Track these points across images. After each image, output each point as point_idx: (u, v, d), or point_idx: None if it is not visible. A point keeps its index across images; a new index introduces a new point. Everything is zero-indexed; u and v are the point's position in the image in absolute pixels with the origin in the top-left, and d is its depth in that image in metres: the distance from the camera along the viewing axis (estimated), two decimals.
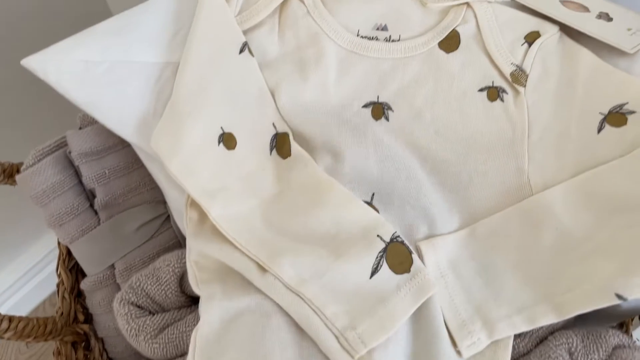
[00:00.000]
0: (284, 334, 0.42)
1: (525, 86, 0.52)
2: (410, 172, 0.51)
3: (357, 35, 0.56)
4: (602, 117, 0.49)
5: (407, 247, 0.45)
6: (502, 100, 0.52)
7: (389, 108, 0.53)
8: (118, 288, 0.62)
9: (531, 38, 0.54)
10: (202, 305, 0.45)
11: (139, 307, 0.54)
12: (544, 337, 0.48)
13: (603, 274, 0.43)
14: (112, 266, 0.62)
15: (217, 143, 0.50)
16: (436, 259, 0.48)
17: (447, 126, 0.53)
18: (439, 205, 0.51)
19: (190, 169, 0.48)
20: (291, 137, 0.53)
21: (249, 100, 0.53)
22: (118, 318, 0.53)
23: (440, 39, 0.55)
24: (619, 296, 0.41)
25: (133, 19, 0.54)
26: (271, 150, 0.52)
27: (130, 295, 0.53)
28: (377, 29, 0.57)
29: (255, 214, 0.49)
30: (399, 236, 0.45)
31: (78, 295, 0.67)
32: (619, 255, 0.43)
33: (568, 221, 0.47)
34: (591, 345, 0.46)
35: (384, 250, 0.45)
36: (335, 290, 0.43)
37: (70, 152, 0.61)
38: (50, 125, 0.84)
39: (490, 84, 0.53)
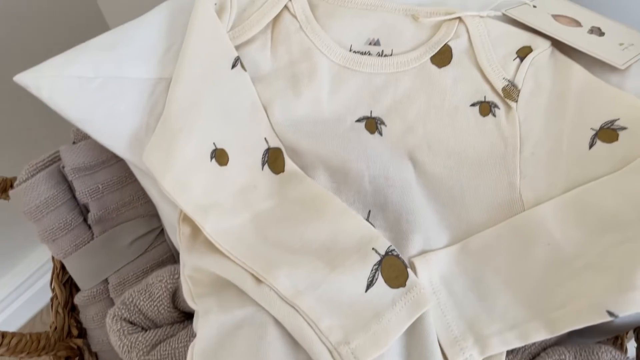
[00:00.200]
0: (280, 346, 0.42)
1: (517, 101, 0.52)
2: (405, 187, 0.51)
3: (350, 50, 0.56)
4: (594, 132, 0.49)
5: (403, 261, 0.45)
6: (494, 115, 0.53)
7: (382, 123, 0.54)
8: (112, 302, 0.62)
9: (523, 53, 0.54)
10: (199, 320, 0.45)
11: (131, 323, 0.53)
12: (536, 353, 0.48)
13: (594, 290, 0.43)
14: (106, 280, 0.62)
15: (209, 159, 0.50)
16: (429, 274, 0.47)
17: (439, 141, 0.53)
18: (433, 220, 0.51)
19: (183, 185, 0.48)
20: (285, 154, 0.53)
21: (241, 116, 0.53)
22: (110, 334, 0.53)
23: (432, 54, 0.55)
24: (610, 313, 0.41)
25: (126, 34, 0.55)
26: (263, 165, 0.52)
27: (123, 311, 0.53)
28: (370, 43, 0.57)
29: (249, 228, 0.49)
30: (394, 249, 0.45)
31: (72, 309, 0.67)
32: (610, 272, 0.43)
33: (559, 237, 0.47)
34: None
35: (379, 263, 0.45)
36: (331, 303, 0.43)
37: (63, 167, 0.61)
38: (44, 140, 0.85)
39: (483, 99, 0.53)
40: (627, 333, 0.56)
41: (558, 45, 0.55)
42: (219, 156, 0.50)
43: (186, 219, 0.50)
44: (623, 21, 0.59)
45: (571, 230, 0.47)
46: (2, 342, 0.55)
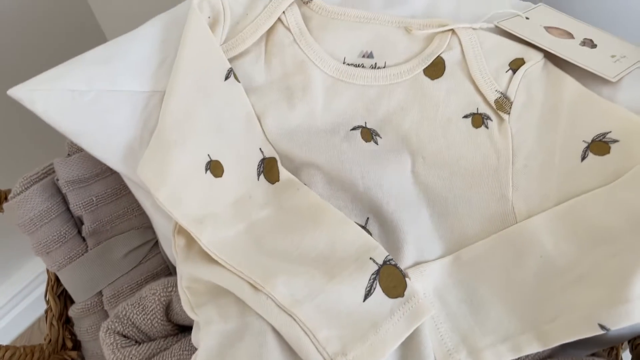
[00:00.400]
0: (278, 354, 0.42)
1: (509, 113, 0.53)
2: (399, 197, 0.51)
3: (344, 62, 0.57)
4: (586, 145, 0.49)
5: (401, 271, 0.45)
6: (486, 127, 0.53)
7: (377, 134, 0.54)
8: (106, 315, 0.62)
9: (516, 65, 0.55)
10: (201, 331, 0.45)
11: (124, 336, 0.53)
12: None
13: (586, 303, 0.43)
14: (100, 293, 0.62)
15: (204, 171, 0.50)
16: (423, 286, 0.47)
17: (433, 152, 0.53)
18: (427, 231, 0.51)
19: (178, 197, 0.48)
20: (279, 163, 0.53)
21: (235, 127, 0.53)
22: (104, 348, 0.53)
23: (425, 66, 0.55)
24: (602, 326, 0.41)
25: (119, 48, 0.55)
26: (259, 175, 0.52)
27: (116, 324, 0.53)
28: (363, 56, 0.57)
29: (245, 238, 0.49)
30: (392, 259, 0.45)
31: (67, 321, 0.67)
32: (601, 285, 0.43)
33: (552, 249, 0.47)
34: None
35: (377, 272, 0.45)
36: (328, 313, 0.43)
37: (57, 180, 0.61)
38: (38, 152, 0.85)
39: (475, 111, 0.54)
40: (622, 344, 0.56)
41: (551, 57, 0.55)
42: (214, 168, 0.50)
43: (181, 230, 0.50)
44: (617, 31, 0.60)
45: (563, 242, 0.47)
46: None
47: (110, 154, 0.53)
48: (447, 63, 0.55)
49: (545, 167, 0.50)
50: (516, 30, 0.57)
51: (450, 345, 0.45)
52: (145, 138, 0.53)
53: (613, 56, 0.55)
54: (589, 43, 0.57)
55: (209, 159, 0.50)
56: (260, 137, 0.54)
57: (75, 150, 0.62)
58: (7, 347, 0.57)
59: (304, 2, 0.59)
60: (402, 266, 0.48)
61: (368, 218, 0.51)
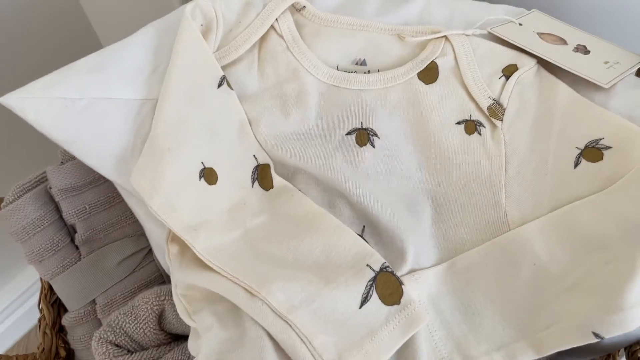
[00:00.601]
0: (277, 358, 0.42)
1: (502, 120, 0.52)
2: (394, 206, 0.50)
3: (337, 69, 0.56)
4: (579, 151, 0.49)
5: (397, 278, 0.45)
6: (479, 133, 0.53)
7: (375, 134, 0.54)
8: (99, 323, 0.62)
9: (509, 71, 0.54)
10: (201, 337, 0.44)
11: (117, 345, 0.53)
12: None
13: (580, 311, 0.43)
14: (94, 301, 0.62)
15: (198, 178, 0.50)
16: (418, 294, 0.47)
17: (428, 158, 0.53)
18: (422, 239, 0.50)
19: (172, 205, 0.48)
20: (272, 169, 0.53)
21: (229, 134, 0.53)
22: (96, 357, 0.53)
23: (419, 70, 0.55)
24: (596, 335, 0.42)
25: (112, 55, 0.55)
26: (253, 182, 0.52)
27: (109, 334, 0.53)
28: (356, 63, 0.57)
29: (240, 244, 0.48)
30: (388, 266, 0.45)
31: (60, 330, 0.67)
32: (595, 293, 0.43)
33: (545, 257, 0.47)
34: None
35: (374, 279, 0.45)
36: (325, 319, 0.43)
37: (50, 188, 0.60)
38: (31, 160, 0.84)
39: (468, 118, 0.53)
40: (618, 352, 0.56)
41: (544, 63, 0.55)
42: (208, 175, 0.50)
43: (174, 238, 0.50)
44: (611, 37, 0.60)
45: (557, 249, 0.46)
46: None
47: (102, 162, 0.53)
48: (440, 69, 0.55)
49: (538, 174, 0.50)
50: (509, 36, 0.56)
51: (444, 353, 0.45)
52: (137, 146, 0.53)
53: (606, 62, 0.55)
54: (582, 49, 0.57)
55: (202, 167, 0.50)
56: (254, 144, 0.54)
57: (68, 158, 0.62)
58: (0, 356, 0.57)
59: (296, 10, 0.59)
60: (398, 274, 0.48)
61: (364, 226, 0.50)
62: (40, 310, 0.66)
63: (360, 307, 0.44)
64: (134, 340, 0.53)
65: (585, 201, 0.47)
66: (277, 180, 0.52)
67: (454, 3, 0.62)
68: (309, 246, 0.47)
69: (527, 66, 0.54)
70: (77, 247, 0.62)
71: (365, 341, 0.42)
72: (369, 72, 0.56)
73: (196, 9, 0.55)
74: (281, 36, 0.57)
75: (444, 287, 0.48)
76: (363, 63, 0.57)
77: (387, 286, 0.44)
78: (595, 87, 0.53)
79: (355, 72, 0.56)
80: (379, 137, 0.53)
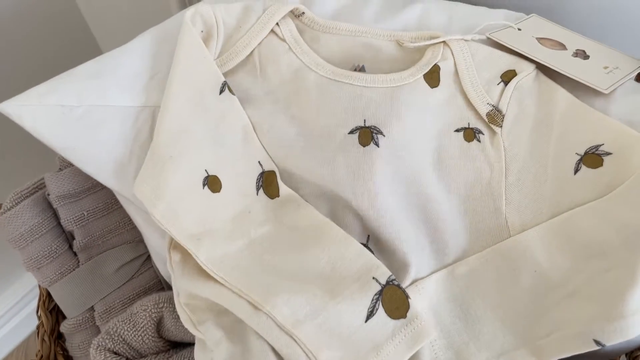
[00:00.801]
0: None
1: (501, 127, 0.52)
2: (395, 215, 0.49)
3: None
4: (579, 158, 0.49)
5: (404, 291, 0.44)
6: (478, 140, 0.52)
7: (380, 132, 0.51)
8: (98, 330, 0.62)
9: (507, 77, 0.54)
10: (214, 352, 0.44)
11: (115, 353, 0.53)
12: None
13: (581, 319, 0.43)
14: (92, 308, 0.62)
15: (201, 186, 0.49)
16: (420, 302, 0.47)
17: (430, 163, 0.52)
18: (424, 246, 0.50)
19: (175, 213, 0.47)
20: (278, 177, 0.52)
21: (233, 141, 0.52)
22: None
23: (425, 72, 0.54)
24: (597, 342, 0.41)
25: (110, 62, 0.54)
26: (258, 190, 0.51)
27: (107, 341, 0.53)
28: (355, 69, 0.56)
29: (244, 255, 0.48)
30: (394, 279, 0.44)
31: (58, 337, 0.66)
32: (596, 300, 0.43)
33: (546, 264, 0.46)
34: None
35: (380, 293, 0.44)
36: (330, 333, 0.42)
37: (48, 195, 0.60)
38: (30, 166, 0.84)
39: (466, 125, 0.53)
40: (619, 358, 0.55)
41: (543, 68, 0.55)
42: (212, 183, 0.49)
43: (176, 246, 0.49)
44: (608, 42, 0.60)
45: (557, 256, 0.46)
46: None
47: (100, 169, 0.53)
48: (441, 73, 0.55)
49: (538, 180, 0.50)
50: (508, 42, 0.56)
51: None
52: (135, 153, 0.53)
53: (606, 67, 0.54)
54: (582, 54, 0.57)
55: (206, 174, 0.49)
56: (259, 150, 0.53)
57: (67, 164, 0.62)
58: None
59: (295, 16, 0.58)
60: (403, 285, 0.47)
61: (369, 236, 0.50)
62: (39, 317, 0.66)
63: (366, 321, 0.43)
64: (133, 347, 0.53)
65: (586, 207, 0.47)
66: (283, 188, 0.51)
67: (452, 8, 0.62)
68: (315, 257, 0.47)
69: (526, 71, 0.54)
70: (75, 254, 0.62)
71: (371, 356, 0.42)
72: None
73: (196, 15, 0.55)
74: (283, 40, 0.56)
75: (444, 294, 0.48)
76: (362, 69, 0.56)
77: (393, 300, 0.44)
78: (595, 93, 0.52)
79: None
80: (384, 136, 0.51)
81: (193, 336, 0.47)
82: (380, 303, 0.43)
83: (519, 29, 0.59)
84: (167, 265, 0.50)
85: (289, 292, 0.43)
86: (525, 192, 0.50)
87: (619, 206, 0.45)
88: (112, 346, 0.53)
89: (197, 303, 0.47)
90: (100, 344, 0.53)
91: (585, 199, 0.47)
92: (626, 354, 0.53)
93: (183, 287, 0.47)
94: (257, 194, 0.51)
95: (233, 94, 0.54)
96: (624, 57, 0.57)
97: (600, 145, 0.48)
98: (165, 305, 0.53)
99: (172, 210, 0.47)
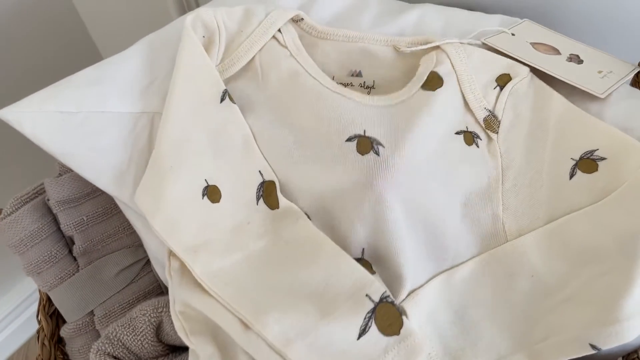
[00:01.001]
0: None
1: (497, 133, 0.53)
2: (392, 223, 0.48)
3: (333, 80, 0.56)
4: (574, 163, 0.49)
5: (398, 308, 0.43)
6: (477, 145, 0.52)
7: (379, 143, 0.50)
8: (98, 334, 0.62)
9: (502, 81, 0.54)
10: None
11: (115, 357, 0.53)
12: None
13: (577, 323, 0.43)
14: (92, 312, 0.62)
15: (201, 196, 0.49)
16: (418, 314, 0.46)
17: (430, 170, 0.50)
18: (421, 255, 0.49)
19: (174, 225, 0.47)
20: (278, 188, 0.51)
21: (233, 150, 0.52)
22: None
23: (421, 83, 0.54)
24: (593, 346, 0.42)
25: (108, 69, 0.55)
26: (258, 199, 0.50)
27: (107, 345, 0.53)
28: (352, 75, 0.57)
29: (240, 269, 0.47)
30: (388, 296, 0.43)
31: (59, 341, 0.67)
32: (592, 305, 0.43)
33: (542, 268, 0.47)
34: None
35: (373, 311, 0.42)
36: (321, 352, 0.41)
37: (48, 200, 0.61)
38: (30, 172, 0.85)
39: (465, 129, 0.53)
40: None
41: (538, 72, 0.55)
42: (211, 193, 0.49)
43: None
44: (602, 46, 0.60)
45: (553, 261, 0.47)
46: None
47: (99, 175, 0.53)
48: (441, 74, 0.54)
49: (534, 186, 0.50)
50: (503, 47, 0.57)
51: None
52: (134, 159, 0.53)
53: (600, 72, 0.55)
54: (576, 59, 0.57)
55: (206, 184, 0.49)
56: (259, 159, 0.52)
57: (66, 170, 0.62)
58: None
59: (294, 21, 0.58)
60: (400, 297, 0.47)
61: (364, 249, 0.48)
62: (39, 322, 0.66)
63: (358, 339, 0.42)
64: (132, 352, 0.53)
65: (581, 213, 0.47)
66: (282, 201, 0.50)
67: (449, 14, 0.63)
68: (309, 274, 0.46)
69: (521, 75, 0.54)
70: (75, 259, 0.62)
71: None
72: (364, 83, 0.56)
73: (197, 19, 0.54)
74: (284, 46, 0.56)
75: (441, 301, 0.48)
76: (359, 75, 0.57)
77: (386, 317, 0.42)
78: (591, 97, 0.53)
79: (351, 83, 0.56)
80: (384, 147, 0.50)
81: None
82: (373, 320, 0.42)
83: (513, 34, 0.59)
84: (165, 272, 0.50)
85: (280, 309, 0.43)
86: (521, 198, 0.50)
87: (614, 211, 0.46)
88: (112, 350, 0.53)
89: (192, 313, 0.47)
90: (99, 348, 0.53)
91: (580, 204, 0.48)
92: (623, 357, 0.53)
93: (179, 296, 0.47)
94: (257, 204, 0.50)
95: (234, 102, 0.53)
96: (617, 61, 0.57)
97: (595, 151, 0.49)
98: (164, 309, 0.53)
99: (170, 222, 0.47)
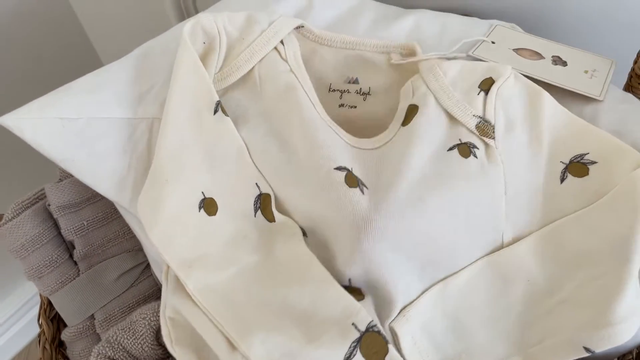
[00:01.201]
0: None
1: (494, 138, 0.51)
2: (380, 253, 0.46)
3: (329, 89, 0.57)
4: (564, 166, 0.49)
5: (384, 337, 0.42)
6: (475, 156, 0.50)
7: (363, 184, 0.49)
8: (99, 338, 0.63)
9: (486, 85, 0.53)
10: None
11: None
12: None
13: (571, 326, 0.44)
14: (93, 316, 0.63)
15: (197, 209, 0.49)
16: (410, 331, 0.46)
17: (422, 197, 0.47)
18: (413, 275, 0.48)
19: (170, 237, 0.48)
20: (273, 203, 0.50)
21: (229, 162, 0.51)
22: None
23: (401, 121, 0.53)
24: (587, 349, 0.42)
25: (108, 75, 0.55)
26: (255, 211, 0.50)
27: (107, 349, 0.53)
28: (349, 82, 0.57)
29: (232, 284, 0.47)
30: (375, 325, 0.43)
31: (60, 345, 0.67)
32: (586, 308, 0.44)
33: (537, 273, 0.47)
34: None
35: (359, 340, 0.42)
36: None
37: (49, 205, 0.61)
38: (31, 177, 0.85)
39: (459, 142, 0.51)
40: None
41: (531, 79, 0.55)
42: (208, 206, 0.49)
43: None
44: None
45: (548, 266, 0.47)
46: None
47: (99, 181, 0.53)
48: (416, 102, 0.53)
49: (531, 191, 0.50)
50: (489, 58, 0.57)
51: None
52: (133, 165, 0.53)
53: (586, 72, 0.55)
54: (559, 61, 0.57)
55: (202, 197, 0.49)
56: (254, 172, 0.51)
57: (67, 175, 0.63)
58: None
59: (295, 28, 0.57)
60: (390, 317, 0.46)
61: (350, 279, 0.47)
62: (40, 326, 0.67)
63: None
64: (132, 355, 0.54)
65: (573, 217, 0.48)
66: (277, 215, 0.50)
67: (444, 19, 0.63)
68: (298, 295, 0.45)
69: (504, 76, 0.53)
70: (75, 263, 0.63)
71: None
72: (360, 90, 0.57)
73: (197, 26, 0.54)
74: (285, 60, 0.55)
75: (437, 310, 0.47)
76: (355, 81, 0.57)
77: (372, 346, 0.42)
78: (585, 101, 0.53)
79: (348, 90, 0.57)
80: (367, 188, 0.48)
81: None
82: (359, 349, 0.42)
83: (493, 42, 0.59)
84: (162, 276, 0.50)
85: (267, 329, 0.43)
86: (520, 204, 0.49)
87: (605, 215, 0.46)
88: (112, 354, 0.53)
89: (182, 320, 0.47)
90: (100, 352, 0.53)
91: (573, 207, 0.48)
92: (617, 358, 0.54)
93: (172, 302, 0.47)
94: (255, 216, 0.50)
95: (226, 114, 0.52)
96: (596, 58, 0.57)
97: (585, 154, 0.49)
98: None
99: (166, 236, 0.48)
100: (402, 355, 0.45)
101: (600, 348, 0.42)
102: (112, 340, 0.54)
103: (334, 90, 0.57)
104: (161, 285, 0.62)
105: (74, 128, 0.52)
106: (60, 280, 0.62)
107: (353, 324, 0.43)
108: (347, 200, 0.47)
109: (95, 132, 0.53)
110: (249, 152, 0.52)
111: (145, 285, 0.64)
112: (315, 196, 0.48)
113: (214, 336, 0.44)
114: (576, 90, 0.54)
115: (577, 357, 0.43)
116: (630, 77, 0.59)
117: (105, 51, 1.07)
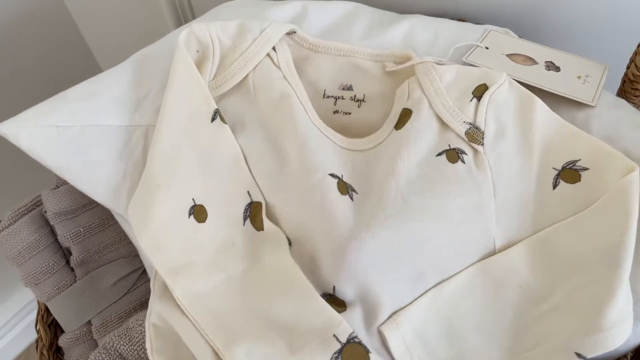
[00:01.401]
0: None
1: (483, 145, 0.51)
2: (369, 259, 0.46)
3: (324, 96, 0.57)
4: (556, 172, 0.49)
5: (365, 347, 0.43)
6: (463, 162, 0.50)
7: (353, 190, 0.50)
8: (95, 344, 0.63)
9: (479, 92, 0.53)
10: None
11: None
12: None
13: (563, 332, 0.44)
14: (90, 322, 0.63)
15: (187, 216, 0.49)
16: (401, 334, 0.46)
17: (410, 202, 0.48)
18: (402, 278, 0.48)
19: (159, 243, 0.48)
20: (264, 210, 0.50)
21: (222, 170, 0.52)
22: None
23: (394, 124, 0.54)
24: (578, 355, 0.42)
25: (102, 83, 0.56)
26: (245, 220, 0.50)
27: (104, 355, 0.54)
28: (343, 88, 0.57)
29: (219, 292, 0.47)
30: (356, 336, 0.43)
31: (57, 350, 0.67)
32: (577, 314, 0.44)
33: (529, 279, 0.47)
34: None
35: (340, 351, 0.43)
36: None
37: (45, 212, 0.61)
38: (27, 184, 0.85)
39: (447, 147, 0.51)
40: None
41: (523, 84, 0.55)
42: (198, 213, 0.50)
43: None
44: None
45: (540, 272, 0.47)
46: None
47: (94, 188, 0.54)
48: (410, 106, 0.54)
49: (522, 197, 0.50)
50: (483, 64, 0.57)
51: None
52: (129, 172, 0.54)
53: (579, 77, 0.55)
54: (553, 66, 0.57)
55: (193, 203, 0.50)
56: (249, 179, 0.51)
57: (63, 182, 0.63)
58: None
59: (287, 34, 0.58)
60: (379, 322, 0.47)
61: (334, 286, 0.47)
62: (38, 332, 0.67)
63: None
64: None
65: (564, 223, 0.48)
66: (267, 223, 0.50)
67: (438, 25, 0.63)
68: (282, 305, 0.46)
69: (497, 83, 0.53)
70: (72, 269, 0.63)
71: None
72: (355, 96, 0.57)
73: (191, 35, 0.55)
74: (278, 67, 0.56)
75: (430, 315, 0.47)
76: (349, 88, 0.57)
77: (353, 356, 0.43)
78: (577, 106, 0.53)
79: (342, 97, 0.57)
80: (357, 193, 0.50)
81: None
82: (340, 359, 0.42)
83: (487, 48, 0.60)
84: (150, 282, 0.50)
85: (252, 340, 0.43)
86: (511, 210, 0.49)
87: (595, 222, 0.46)
88: None
89: (165, 328, 0.47)
90: (96, 358, 0.54)
91: (564, 214, 0.48)
92: None
93: (158, 309, 0.48)
94: (244, 224, 0.50)
95: (225, 122, 0.53)
96: (589, 63, 0.58)
97: (578, 161, 0.49)
98: None
99: (155, 242, 0.48)
100: (393, 359, 0.46)
101: (592, 354, 0.42)
102: (108, 347, 0.54)
103: (328, 97, 0.57)
104: None
105: (68, 136, 0.53)
106: (57, 287, 0.62)
107: (334, 335, 0.43)
108: (335, 208, 0.48)
109: (90, 140, 0.53)
110: (245, 159, 0.52)
111: (141, 291, 0.64)
112: (304, 203, 0.49)
113: (199, 345, 0.44)
114: (569, 96, 0.54)
115: None
116: (623, 82, 0.59)
117: (101, 51, 1.07)
